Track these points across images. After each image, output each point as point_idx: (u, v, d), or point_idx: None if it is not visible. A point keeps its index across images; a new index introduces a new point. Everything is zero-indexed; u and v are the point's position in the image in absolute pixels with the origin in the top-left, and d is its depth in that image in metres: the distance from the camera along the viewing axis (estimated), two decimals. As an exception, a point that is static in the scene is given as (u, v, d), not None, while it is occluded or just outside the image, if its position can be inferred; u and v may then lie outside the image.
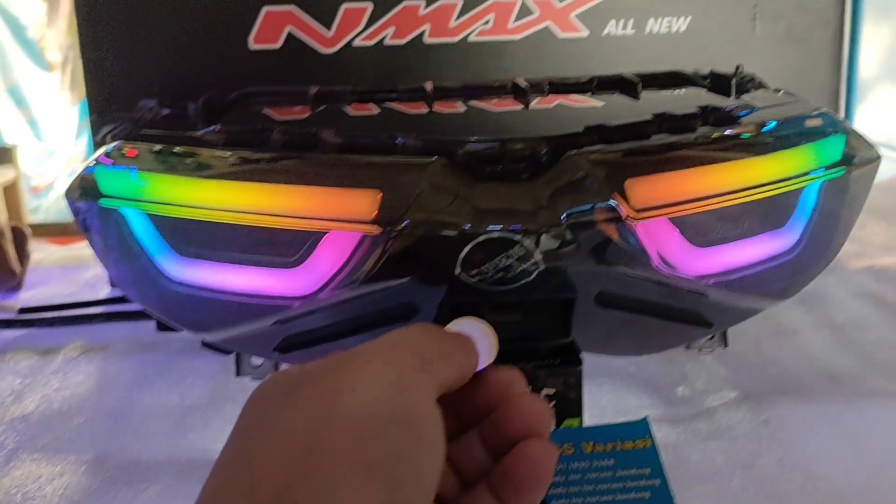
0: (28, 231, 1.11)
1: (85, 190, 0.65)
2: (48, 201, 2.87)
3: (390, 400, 0.33)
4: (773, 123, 0.66)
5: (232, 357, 0.75)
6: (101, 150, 0.65)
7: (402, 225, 0.55)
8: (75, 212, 0.66)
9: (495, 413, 0.39)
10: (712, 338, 0.78)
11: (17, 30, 3.04)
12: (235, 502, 0.30)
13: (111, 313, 0.98)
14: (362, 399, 0.32)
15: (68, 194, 0.65)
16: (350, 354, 0.35)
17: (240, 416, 0.35)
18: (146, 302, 0.68)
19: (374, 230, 0.56)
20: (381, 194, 0.57)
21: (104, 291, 1.08)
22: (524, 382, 0.41)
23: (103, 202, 0.64)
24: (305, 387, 0.34)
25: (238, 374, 0.75)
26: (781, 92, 0.79)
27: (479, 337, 0.42)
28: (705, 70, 0.84)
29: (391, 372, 0.34)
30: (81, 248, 1.28)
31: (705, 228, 0.64)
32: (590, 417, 0.62)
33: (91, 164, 0.65)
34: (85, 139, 2.81)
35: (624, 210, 0.57)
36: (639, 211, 0.57)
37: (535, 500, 0.38)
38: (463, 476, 0.39)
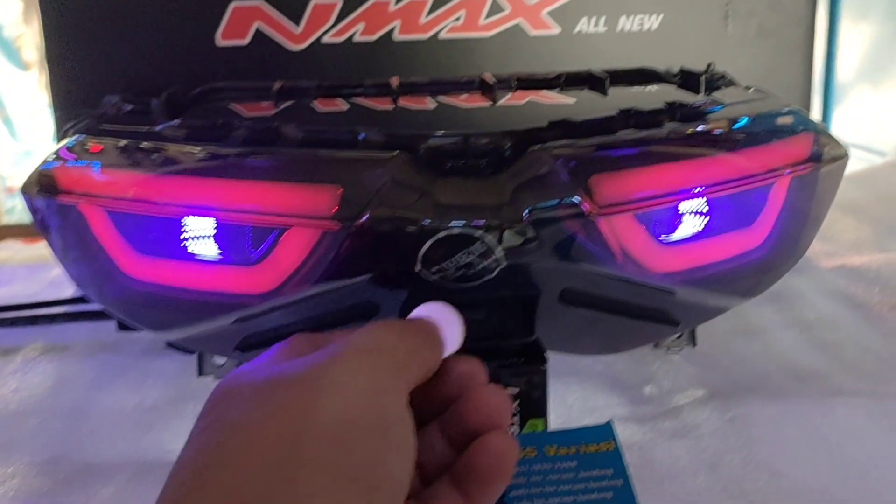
0: (-9, 229, 1.09)
1: (43, 186, 0.63)
2: (24, 202, 2.84)
3: (366, 406, 0.33)
4: (745, 120, 0.66)
5: (194, 357, 0.74)
6: (62, 144, 0.64)
7: (362, 220, 0.54)
8: (33, 210, 0.65)
9: (456, 405, 0.39)
10: (680, 336, 0.77)
11: (-8, 29, 3.01)
12: (211, 502, 0.29)
13: (73, 313, 0.97)
14: (340, 406, 0.32)
15: (25, 190, 0.64)
16: (324, 357, 0.35)
17: (205, 410, 0.35)
18: (106, 301, 0.67)
19: (335, 226, 0.55)
20: (342, 189, 0.56)
21: (68, 291, 1.06)
22: (485, 373, 0.41)
23: (62, 198, 0.62)
24: (281, 388, 0.33)
25: (200, 373, 0.74)
26: (752, 89, 0.79)
27: (446, 323, 0.41)
28: (676, 67, 0.84)
29: (366, 377, 0.34)
30: (47, 247, 1.26)
31: (671, 225, 0.63)
32: (556, 417, 0.62)
33: (51, 160, 0.64)
34: (61, 139, 2.78)
35: (588, 206, 0.56)
36: (603, 207, 0.57)
37: (496, 493, 0.38)
38: (424, 470, 0.39)
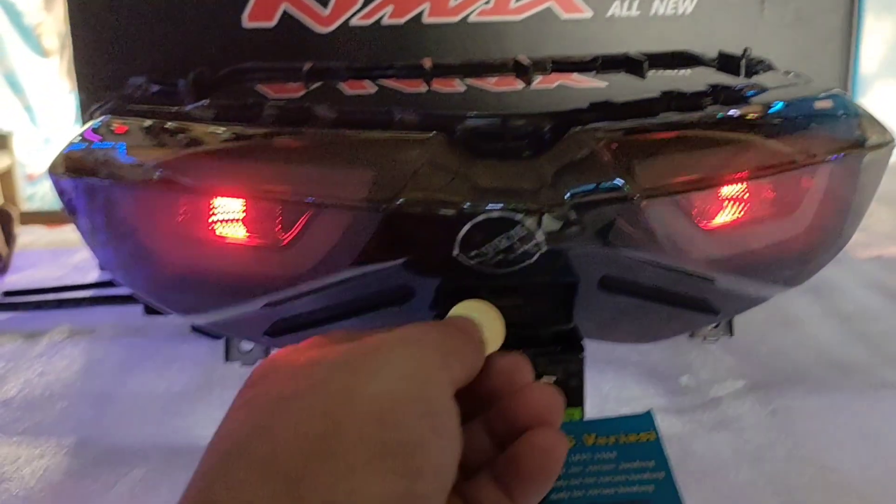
0: (15, 212, 1.08)
1: (69, 166, 0.62)
2: (44, 189, 2.86)
3: (411, 390, 0.33)
4: (788, 104, 0.64)
5: (221, 342, 0.73)
6: (88, 125, 0.63)
7: (398, 203, 0.53)
8: (60, 191, 0.64)
9: (503, 401, 0.39)
10: (717, 326, 0.76)
11: (13, 16, 3.03)
12: (250, 472, 0.29)
13: (98, 297, 0.96)
14: (384, 387, 0.32)
15: (52, 171, 0.63)
16: (370, 343, 0.35)
17: (246, 387, 0.35)
18: (133, 285, 0.66)
19: (369, 209, 0.54)
20: (376, 171, 0.54)
21: (92, 275, 1.06)
22: (530, 369, 0.40)
23: (89, 179, 0.61)
24: (325, 369, 0.33)
25: (227, 359, 0.73)
26: (792, 74, 0.77)
27: (487, 322, 0.41)
28: (711, 52, 0.82)
29: (412, 364, 0.34)
30: (70, 232, 1.25)
31: (713, 210, 0.61)
32: (591, 406, 0.60)
33: (77, 141, 0.63)
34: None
35: (631, 189, 0.54)
36: (646, 190, 0.55)
37: (542, 491, 0.37)
38: (465, 465, 0.38)
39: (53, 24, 3.08)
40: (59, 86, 3.13)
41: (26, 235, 1.19)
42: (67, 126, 3.09)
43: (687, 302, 0.64)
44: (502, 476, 0.37)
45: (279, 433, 0.30)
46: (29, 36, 3.09)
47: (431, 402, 0.33)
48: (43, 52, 3.12)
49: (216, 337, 0.76)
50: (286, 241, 0.58)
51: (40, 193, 2.82)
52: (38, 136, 3.14)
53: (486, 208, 0.52)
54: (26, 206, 2.16)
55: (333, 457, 0.29)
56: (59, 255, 1.17)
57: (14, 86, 3.12)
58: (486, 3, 0.94)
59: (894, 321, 0.88)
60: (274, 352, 0.37)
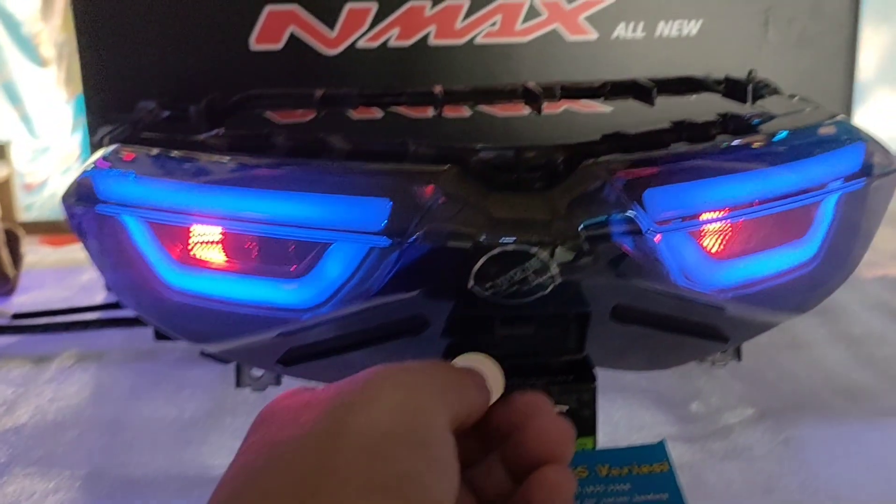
0: (21, 233, 1.08)
1: (81, 195, 0.62)
2: (42, 199, 2.84)
3: (402, 420, 0.32)
4: (796, 133, 0.64)
5: (231, 367, 0.73)
6: (99, 154, 0.63)
7: (413, 236, 0.53)
8: (71, 216, 0.64)
9: (517, 434, 0.38)
10: (726, 351, 0.76)
11: (11, 25, 3.02)
12: None
13: (107, 320, 0.96)
14: (373, 418, 0.32)
15: (65, 200, 0.63)
16: (361, 378, 0.34)
17: (248, 434, 0.34)
18: (143, 311, 0.66)
19: (384, 241, 0.54)
20: (392, 203, 0.55)
21: (100, 296, 1.05)
22: (550, 408, 0.40)
23: (100, 208, 0.61)
24: (318, 405, 0.33)
25: (238, 385, 0.72)
26: (796, 98, 0.77)
27: (488, 373, 0.41)
28: (719, 75, 0.82)
29: (404, 394, 0.33)
30: (77, 251, 1.25)
31: (724, 240, 0.62)
32: (602, 435, 0.60)
33: (88, 168, 0.63)
34: (79, 136, 2.79)
35: (643, 221, 0.55)
36: (659, 222, 0.55)
37: None
38: (484, 501, 0.38)
39: (51, 34, 3.07)
40: (57, 95, 3.12)
41: (31, 255, 1.18)
42: (65, 135, 3.08)
43: (698, 330, 0.65)
44: None
45: (272, 477, 0.30)
46: (27, 45, 3.08)
47: (424, 431, 0.33)
48: (41, 62, 3.11)
49: (226, 362, 0.76)
50: (299, 273, 0.58)
51: (38, 203, 2.80)
52: (35, 145, 3.13)
53: (501, 241, 0.52)
54: (24, 216, 2.15)
55: (326, 493, 0.29)
56: (65, 275, 1.17)
57: (11, 95, 3.11)
58: (493, 24, 0.95)
59: (900, 343, 0.88)
60: (282, 393, 0.37)
